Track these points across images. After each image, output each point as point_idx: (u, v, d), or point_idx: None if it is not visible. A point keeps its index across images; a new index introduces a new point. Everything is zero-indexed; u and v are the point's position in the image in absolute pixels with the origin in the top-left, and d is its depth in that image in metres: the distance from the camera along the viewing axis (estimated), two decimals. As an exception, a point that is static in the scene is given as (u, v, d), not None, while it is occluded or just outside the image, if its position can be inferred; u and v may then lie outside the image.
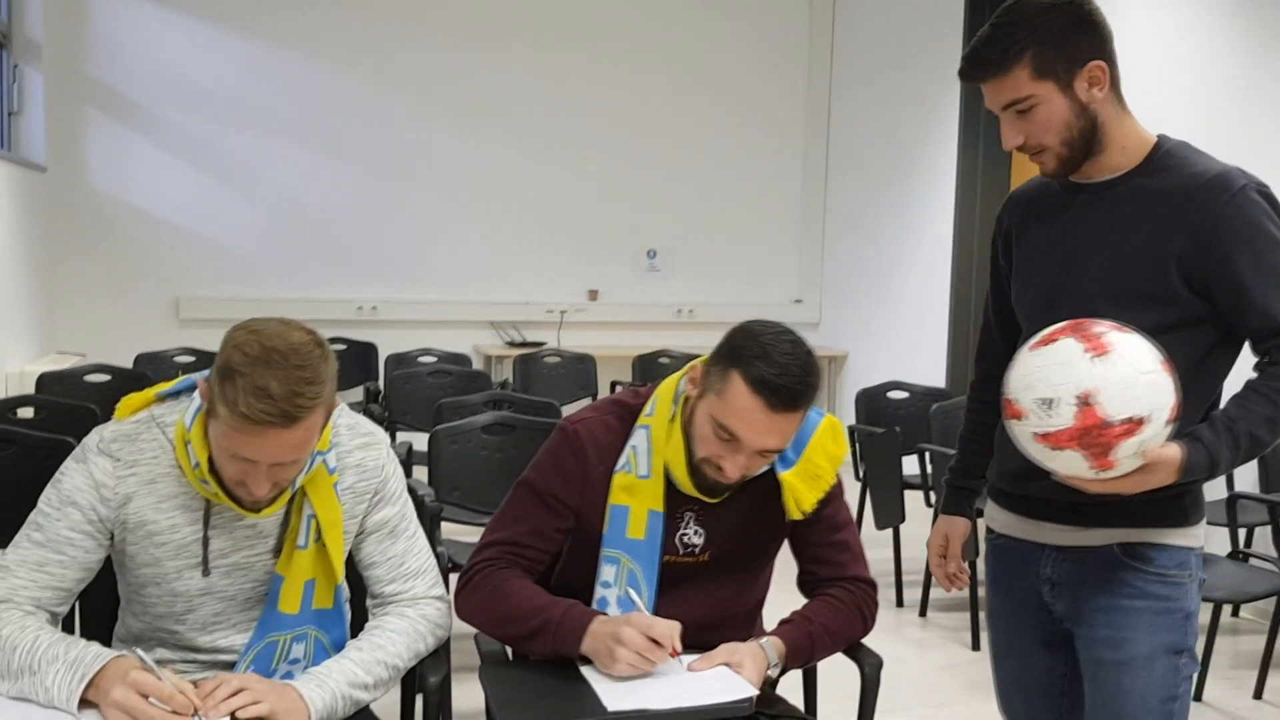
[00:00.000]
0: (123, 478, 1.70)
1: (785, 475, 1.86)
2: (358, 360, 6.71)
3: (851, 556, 1.96)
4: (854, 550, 1.97)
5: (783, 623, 1.89)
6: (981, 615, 4.17)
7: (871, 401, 4.95)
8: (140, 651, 1.60)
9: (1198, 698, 3.59)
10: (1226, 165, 1.71)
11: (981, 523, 2.03)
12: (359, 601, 1.92)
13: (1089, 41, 1.69)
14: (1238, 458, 1.66)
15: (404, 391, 5.27)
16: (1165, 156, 1.73)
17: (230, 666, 1.76)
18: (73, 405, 3.94)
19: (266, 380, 1.53)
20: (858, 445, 4.88)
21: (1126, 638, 1.73)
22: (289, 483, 1.68)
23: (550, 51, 7.39)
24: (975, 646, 4.05)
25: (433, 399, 4.42)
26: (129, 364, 5.45)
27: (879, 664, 1.92)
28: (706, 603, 1.89)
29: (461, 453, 3.50)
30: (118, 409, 1.78)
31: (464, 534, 3.69)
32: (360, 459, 1.82)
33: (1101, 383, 1.52)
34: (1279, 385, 1.65)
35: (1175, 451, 1.60)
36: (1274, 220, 1.67)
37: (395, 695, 1.94)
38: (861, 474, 4.85)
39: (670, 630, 1.71)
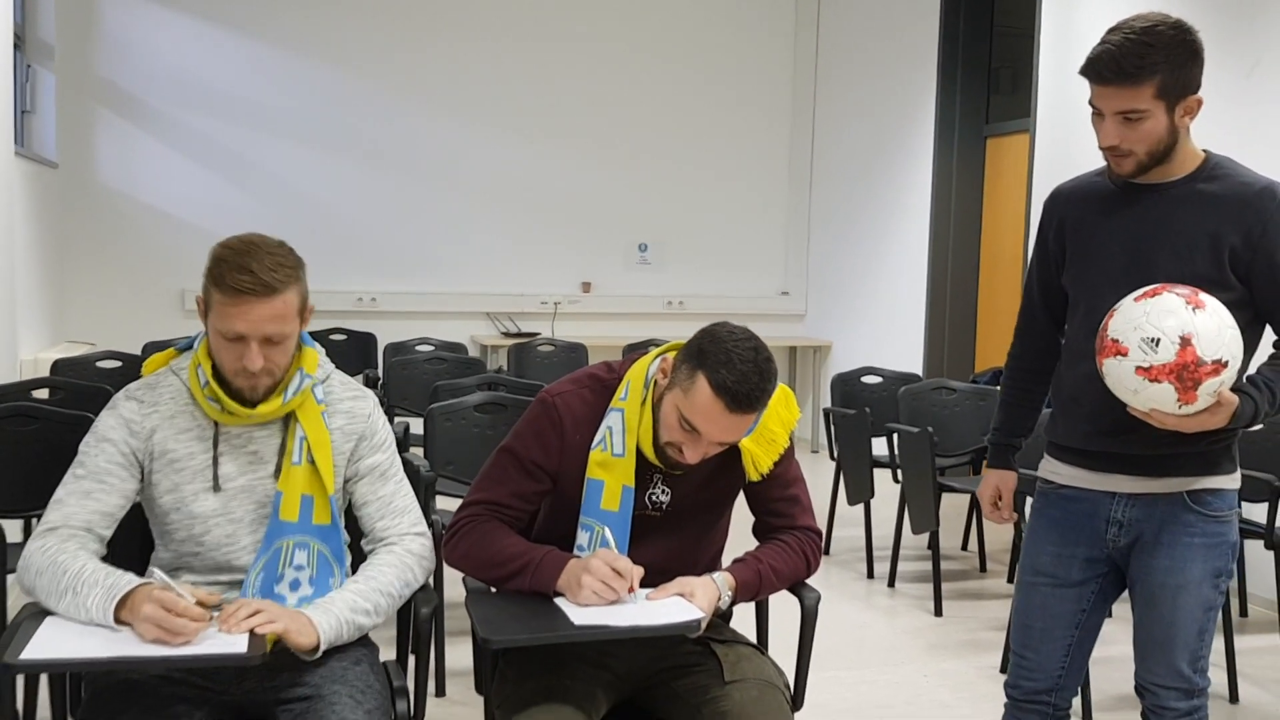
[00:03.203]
0: (147, 415, 2.01)
1: (744, 442, 2.10)
2: (357, 349, 6.95)
3: (800, 509, 2.20)
4: (803, 503, 2.21)
5: (735, 561, 2.13)
6: (944, 586, 4.44)
7: (846, 386, 5.20)
8: (159, 573, 1.86)
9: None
10: (1269, 178, 2.07)
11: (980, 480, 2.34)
12: (355, 549, 2.16)
13: (1196, 76, 2.02)
14: (1270, 411, 2.03)
15: (402, 377, 5.51)
16: (1216, 167, 2.09)
17: None
18: (88, 387, 4.19)
19: (247, 262, 1.90)
20: (832, 427, 5.14)
21: (1184, 567, 2.10)
22: (280, 370, 1.98)
23: (544, 49, 7.65)
24: (938, 613, 4.30)
25: (429, 384, 4.67)
26: (136, 353, 5.69)
27: (817, 598, 2.17)
28: (670, 552, 2.12)
29: (455, 429, 3.74)
30: (144, 366, 2.10)
31: (457, 506, 3.94)
32: (350, 407, 2.12)
33: (1200, 328, 1.88)
34: None
35: (1233, 398, 1.95)
36: None
37: (393, 627, 2.20)
38: (835, 453, 5.11)
39: (631, 566, 1.96)
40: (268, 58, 7.15)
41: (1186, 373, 1.88)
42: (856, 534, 5.05)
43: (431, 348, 6.20)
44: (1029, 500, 2.38)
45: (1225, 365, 1.90)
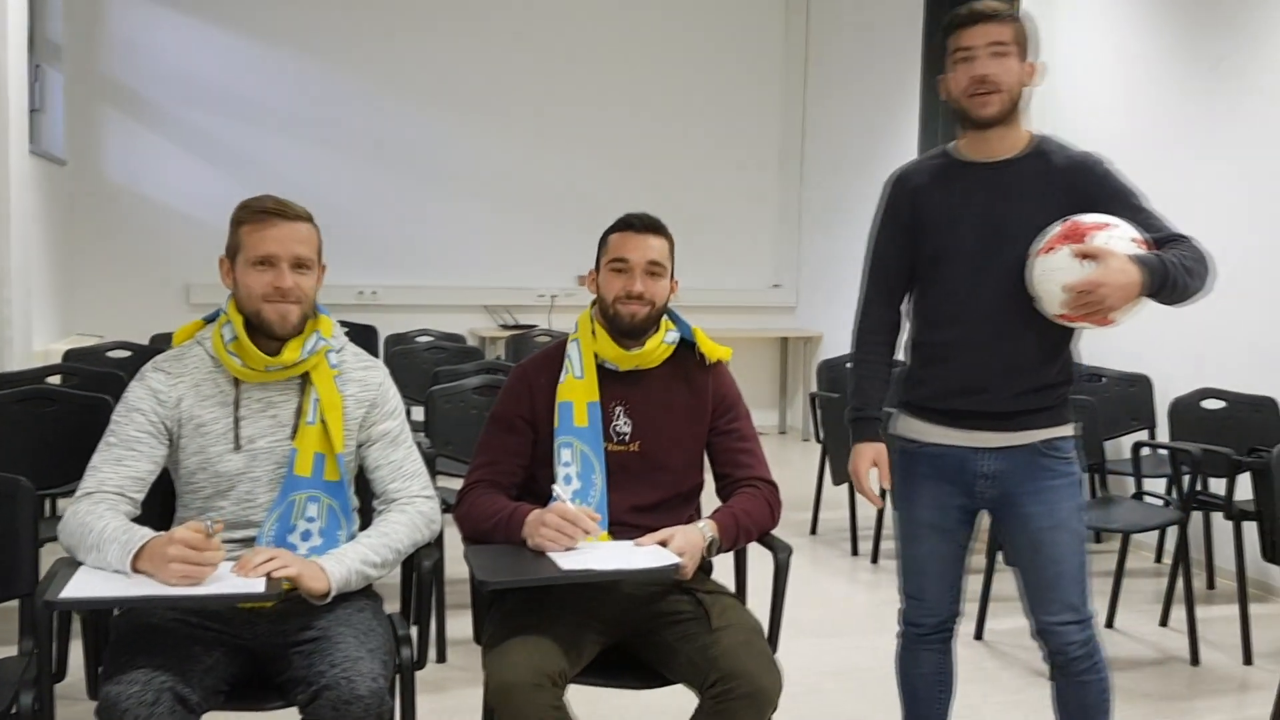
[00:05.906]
0: (173, 385, 2.18)
1: (696, 331, 2.45)
2: (358, 342, 6.79)
3: (758, 461, 2.45)
4: (759, 456, 2.46)
5: (714, 512, 2.35)
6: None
7: (832, 372, 5.36)
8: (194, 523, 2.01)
9: (1110, 625, 4.05)
10: (1084, 149, 2.36)
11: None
12: (366, 510, 2.34)
13: (1033, 49, 2.34)
14: (1182, 272, 2.15)
15: (402, 366, 5.66)
16: (1045, 143, 2.36)
17: None
18: (101, 373, 4.37)
19: (266, 197, 2.18)
20: (818, 410, 5.31)
21: (1054, 509, 2.33)
22: (307, 301, 2.17)
23: (538, 46, 7.82)
24: (919, 587, 4.47)
25: (429, 373, 4.83)
26: (145, 344, 5.85)
27: (790, 551, 2.36)
28: (647, 487, 2.36)
29: (454, 410, 3.92)
30: (174, 338, 2.27)
31: (458, 485, 4.10)
32: (363, 376, 2.31)
33: (1078, 217, 2.19)
34: (1185, 245, 2.22)
35: (1124, 249, 2.12)
36: (1123, 177, 2.34)
37: (397, 576, 2.37)
38: (821, 436, 5.28)
39: (579, 513, 2.16)
40: (269, 57, 7.32)
41: (1074, 233, 2.14)
42: (841, 515, 5.22)
43: (431, 339, 6.35)
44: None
45: (1110, 225, 2.14)
